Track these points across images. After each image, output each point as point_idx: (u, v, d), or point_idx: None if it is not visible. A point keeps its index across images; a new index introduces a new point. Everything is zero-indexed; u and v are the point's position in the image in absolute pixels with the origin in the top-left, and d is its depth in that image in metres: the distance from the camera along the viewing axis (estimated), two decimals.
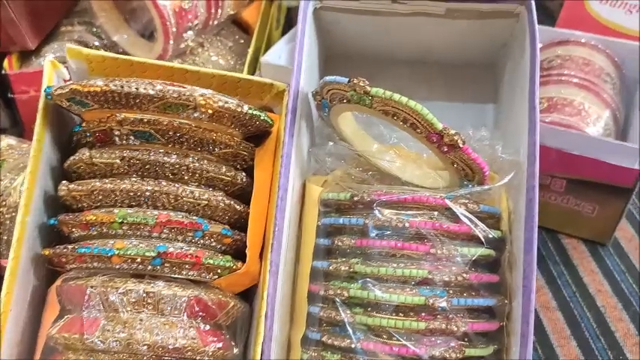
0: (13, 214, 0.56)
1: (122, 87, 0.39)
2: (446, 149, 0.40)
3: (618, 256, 0.61)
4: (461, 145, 0.40)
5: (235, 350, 0.42)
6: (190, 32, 0.64)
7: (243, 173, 0.45)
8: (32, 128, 0.68)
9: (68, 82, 0.43)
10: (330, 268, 0.42)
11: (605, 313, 0.57)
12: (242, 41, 0.71)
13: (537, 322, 0.56)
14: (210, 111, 0.40)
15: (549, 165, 0.58)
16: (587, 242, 0.63)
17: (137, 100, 0.40)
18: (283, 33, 0.75)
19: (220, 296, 0.41)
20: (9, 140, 0.62)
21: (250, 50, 0.66)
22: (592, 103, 0.61)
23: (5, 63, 0.66)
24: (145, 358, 0.38)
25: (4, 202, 0.56)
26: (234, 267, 0.42)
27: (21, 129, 0.69)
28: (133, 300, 0.39)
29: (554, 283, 0.59)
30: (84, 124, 0.43)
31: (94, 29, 0.67)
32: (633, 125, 0.60)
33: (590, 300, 0.58)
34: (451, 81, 0.58)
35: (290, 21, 0.81)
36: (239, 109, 0.42)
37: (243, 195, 0.46)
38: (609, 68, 0.65)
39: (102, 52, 0.47)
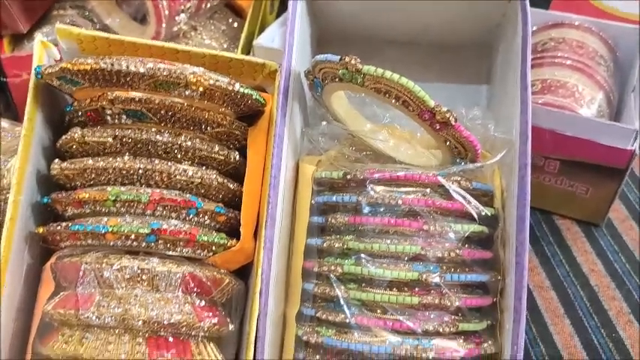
0: (7, 195, 0.56)
1: (112, 65, 0.39)
2: (438, 127, 0.40)
3: (611, 236, 0.62)
4: (453, 123, 0.40)
5: (231, 327, 0.43)
6: (183, 15, 0.64)
7: (237, 152, 0.45)
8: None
9: (58, 62, 0.43)
10: (324, 245, 0.43)
11: (598, 292, 0.57)
12: (235, 25, 0.72)
13: (531, 301, 0.57)
14: (201, 89, 0.41)
15: (543, 146, 0.59)
16: (580, 223, 0.63)
17: (128, 79, 0.40)
18: (277, 17, 0.75)
19: (215, 273, 0.42)
20: (2, 123, 0.62)
21: (243, 34, 0.66)
22: (585, 85, 0.61)
23: None
24: (140, 333, 0.39)
25: None
26: (228, 244, 0.43)
27: (14, 113, 0.69)
28: (128, 276, 0.39)
29: (548, 263, 0.60)
30: (75, 104, 0.44)
31: (86, 13, 0.67)
32: (627, 107, 0.61)
33: (583, 279, 0.58)
34: (445, 62, 0.58)
35: (284, 5, 0.81)
36: (230, 87, 0.42)
37: (237, 175, 0.46)
38: (603, 50, 0.65)
39: (93, 32, 0.47)
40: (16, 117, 0.68)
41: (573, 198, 0.62)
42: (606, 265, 0.60)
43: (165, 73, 0.39)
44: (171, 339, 0.39)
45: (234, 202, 0.45)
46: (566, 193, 0.61)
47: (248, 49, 0.67)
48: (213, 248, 0.42)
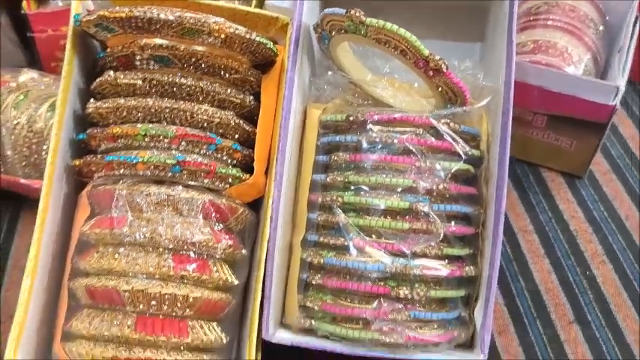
0: (40, 138, 0.62)
1: (145, 13, 0.45)
2: (431, 74, 0.46)
3: (593, 187, 0.68)
4: (445, 70, 0.45)
5: (244, 251, 0.49)
6: None
7: (251, 96, 0.51)
8: (50, 65, 0.74)
9: (94, 11, 0.48)
10: (328, 179, 0.49)
11: (576, 236, 0.64)
12: None
13: (514, 243, 0.63)
14: (222, 36, 0.46)
15: (531, 102, 0.64)
16: (565, 175, 0.69)
17: (158, 26, 0.46)
18: None
19: (231, 203, 0.48)
20: (32, 74, 0.68)
21: None
22: (574, 47, 0.66)
23: (24, 4, 0.71)
24: (166, 250, 0.45)
25: (30, 129, 0.62)
26: (243, 177, 0.49)
27: (39, 66, 0.74)
28: (156, 201, 0.45)
29: (533, 210, 0.66)
30: (108, 50, 0.49)
31: None
32: (612, 67, 0.66)
33: (564, 224, 0.65)
34: (444, 21, 0.63)
35: None
36: (248, 36, 0.47)
37: (251, 117, 0.52)
38: (593, 14, 0.70)
39: None
40: (41, 70, 0.73)
41: (559, 151, 0.67)
42: (586, 213, 0.66)
43: (191, 21, 0.45)
44: (192, 255, 0.46)
45: (248, 142, 0.51)
46: (552, 146, 0.67)
47: (260, 8, 0.72)
48: (230, 180, 0.48)
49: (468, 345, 0.50)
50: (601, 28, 0.70)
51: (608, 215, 0.65)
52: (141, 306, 0.44)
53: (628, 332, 0.57)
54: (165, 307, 0.44)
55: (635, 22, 0.68)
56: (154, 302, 0.44)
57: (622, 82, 0.61)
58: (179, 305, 0.45)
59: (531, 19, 0.70)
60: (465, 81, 0.48)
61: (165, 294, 0.44)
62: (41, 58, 0.74)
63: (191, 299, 0.45)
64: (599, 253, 0.62)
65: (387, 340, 0.45)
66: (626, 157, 0.71)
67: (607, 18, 0.72)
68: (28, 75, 0.67)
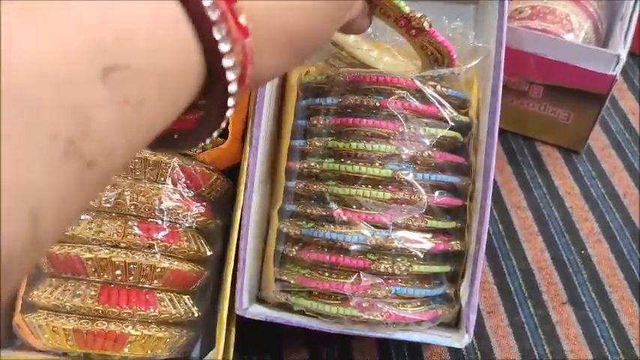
0: None
1: None
2: (414, 32, 0.44)
3: (590, 163, 0.66)
4: (427, 28, 0.43)
5: (218, 221, 0.48)
6: None
7: None
8: None
9: None
10: (307, 146, 0.47)
11: (572, 214, 0.62)
12: None
13: (507, 220, 0.61)
14: None
15: (528, 70, 0.62)
16: (561, 149, 0.67)
17: None
18: None
19: (204, 169, 0.46)
20: None
21: None
22: (575, 13, 0.64)
23: None
24: (132, 217, 0.43)
25: None
26: (216, 142, 0.47)
27: None
28: None
29: (527, 186, 0.64)
30: None
31: None
32: (613, 36, 0.64)
33: (559, 201, 0.63)
34: None
35: None
36: None
37: None
38: None
39: None
40: None
41: (555, 124, 0.65)
42: (582, 189, 0.64)
43: None
44: (160, 223, 0.44)
45: None
46: (549, 119, 0.65)
47: None
48: (202, 145, 0.46)
49: (454, 325, 0.49)
50: None
51: (605, 192, 0.63)
52: (105, 276, 0.42)
53: (623, 314, 0.55)
54: (132, 278, 0.43)
55: None
56: (118, 272, 0.42)
57: (623, 51, 0.59)
58: (146, 276, 0.43)
59: None
60: (454, 41, 0.46)
61: (131, 263, 0.42)
62: None
63: (159, 269, 0.43)
64: (595, 231, 0.60)
65: (366, 317, 0.43)
66: (626, 132, 0.69)
67: None
68: None
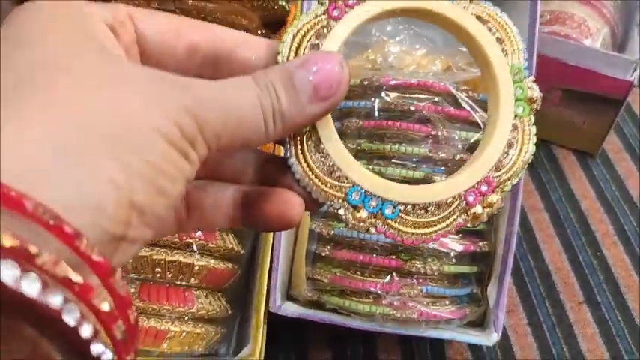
0: None
1: None
2: None
3: (605, 166, 0.69)
4: None
5: None
6: None
7: None
8: None
9: None
10: None
11: (587, 216, 0.65)
12: None
13: (524, 222, 0.64)
14: None
15: (548, 75, 0.65)
16: (577, 153, 0.70)
17: None
18: None
19: None
20: None
21: None
22: (592, 18, 0.67)
23: None
24: None
25: None
26: None
27: None
28: None
29: (543, 188, 0.67)
30: None
31: None
32: (631, 40, 0.67)
33: (575, 203, 0.66)
34: None
35: None
36: None
37: None
38: None
39: None
40: None
41: (571, 128, 0.68)
42: (597, 192, 0.67)
43: None
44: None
45: None
46: (565, 123, 0.68)
47: None
48: None
49: (479, 323, 0.51)
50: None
51: (620, 195, 0.66)
52: (145, 273, 0.44)
53: (638, 314, 0.58)
54: (170, 275, 0.45)
55: None
56: (158, 269, 0.44)
57: None
58: (184, 273, 0.45)
59: None
60: None
61: (170, 261, 0.44)
62: None
63: (197, 267, 0.45)
64: (610, 233, 0.63)
65: (399, 315, 0.46)
66: (639, 137, 0.72)
67: None
68: None
